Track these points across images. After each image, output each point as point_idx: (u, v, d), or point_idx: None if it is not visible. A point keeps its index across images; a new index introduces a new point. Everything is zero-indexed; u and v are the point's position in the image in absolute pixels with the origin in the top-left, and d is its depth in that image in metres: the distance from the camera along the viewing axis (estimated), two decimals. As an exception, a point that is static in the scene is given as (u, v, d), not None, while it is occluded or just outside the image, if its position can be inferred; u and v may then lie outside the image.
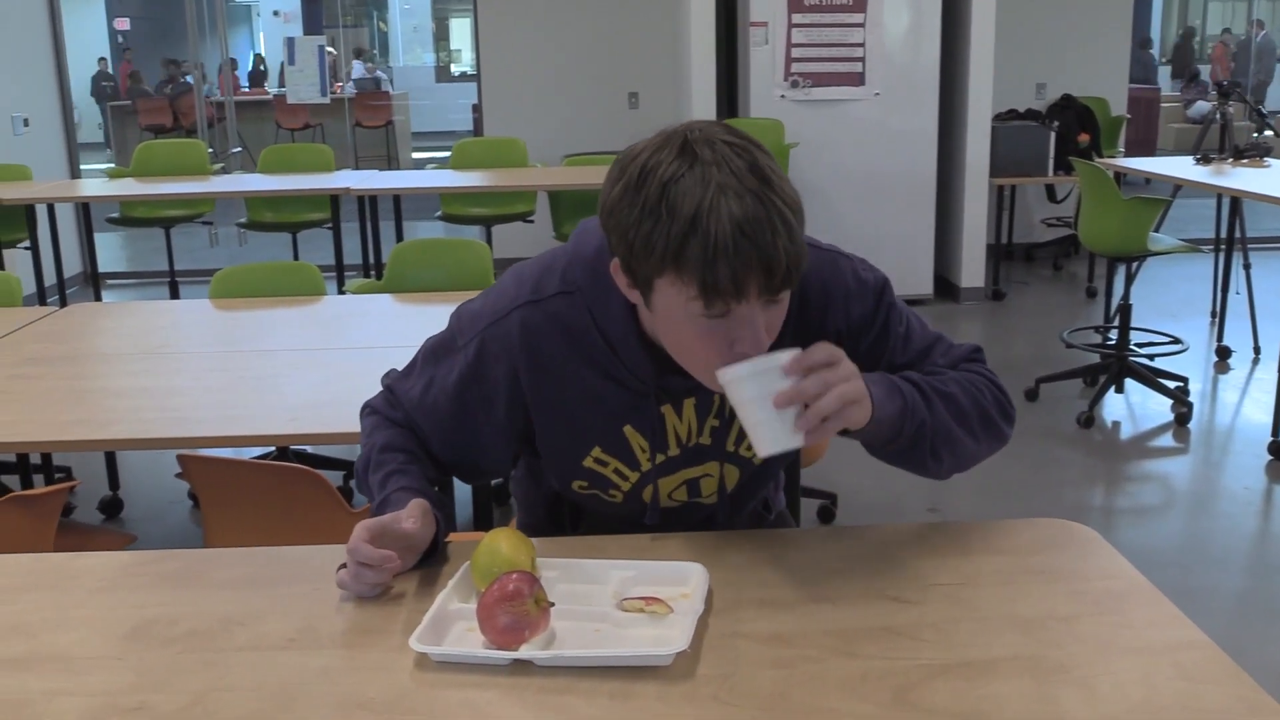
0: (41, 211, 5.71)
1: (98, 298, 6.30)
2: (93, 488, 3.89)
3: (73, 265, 7.06)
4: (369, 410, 1.57)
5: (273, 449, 3.52)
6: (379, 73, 17.76)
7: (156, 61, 16.95)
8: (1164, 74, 17.99)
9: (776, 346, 1.35)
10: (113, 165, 11.27)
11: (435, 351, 1.49)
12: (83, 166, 7.84)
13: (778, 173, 1.21)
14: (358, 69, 19.09)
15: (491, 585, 1.20)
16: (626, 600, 1.26)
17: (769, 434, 1.22)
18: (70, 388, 2.50)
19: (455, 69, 22.76)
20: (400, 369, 1.56)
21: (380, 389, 1.59)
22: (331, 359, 2.67)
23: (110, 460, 3.94)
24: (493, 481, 3.71)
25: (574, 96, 7.46)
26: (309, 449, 3.85)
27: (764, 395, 1.21)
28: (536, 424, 1.44)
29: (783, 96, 6.34)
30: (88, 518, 3.75)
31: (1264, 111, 5.90)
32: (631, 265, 1.23)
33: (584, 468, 1.47)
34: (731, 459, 1.48)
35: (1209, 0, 23.34)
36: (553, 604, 1.21)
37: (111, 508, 3.82)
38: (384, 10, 23.36)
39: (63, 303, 5.84)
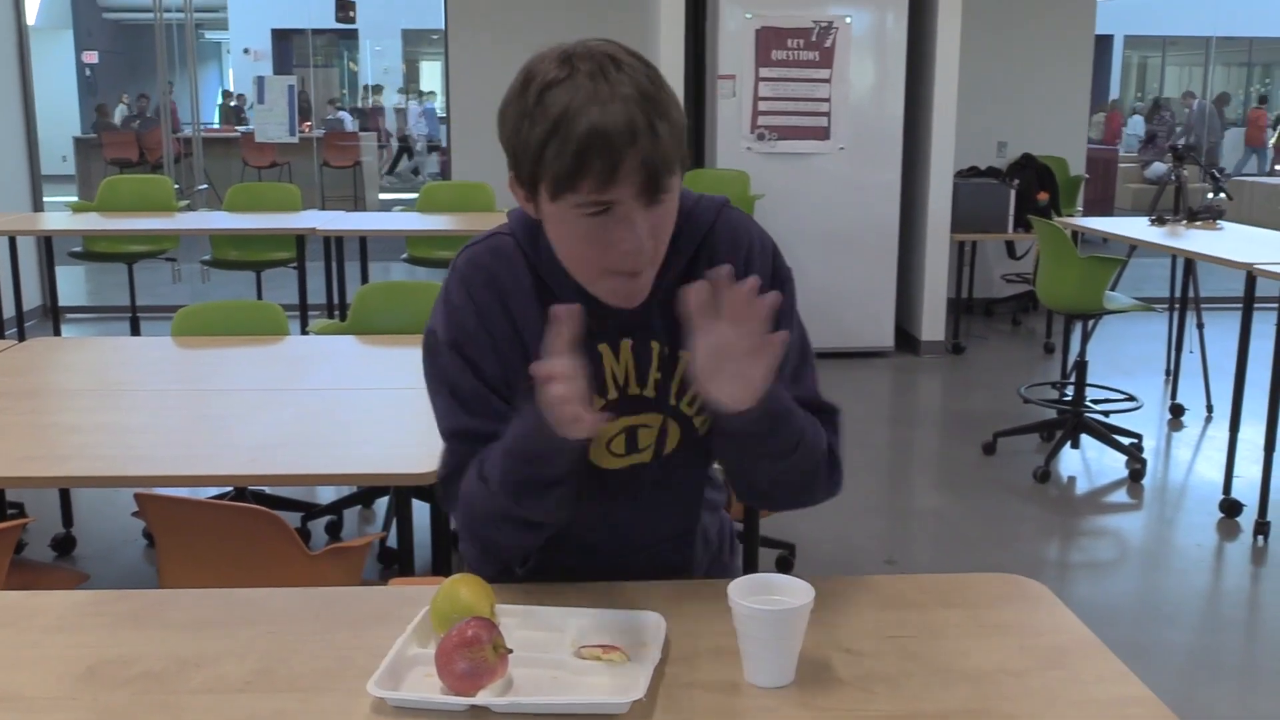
0: (3, 244, 5.66)
1: (57, 332, 6.24)
2: (45, 524, 3.85)
3: (32, 298, 7.00)
4: (454, 497, 1.47)
5: (230, 489, 3.50)
6: (341, 113, 17.79)
7: (132, 95, 16.86)
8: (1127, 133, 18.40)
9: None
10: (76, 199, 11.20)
11: (428, 371, 1.48)
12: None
13: (664, 95, 1.28)
14: (413, 111, 19.06)
15: (450, 631, 1.21)
16: (584, 648, 1.27)
17: (770, 670, 1.23)
18: (26, 423, 2.48)
19: (425, 111, 22.83)
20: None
21: (442, 480, 1.49)
22: (293, 399, 2.67)
23: (64, 497, 3.90)
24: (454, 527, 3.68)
25: (542, 142, 7.51)
26: (267, 490, 3.83)
27: (778, 637, 1.22)
28: (499, 358, 1.45)
29: (749, 149, 6.42)
30: (40, 555, 3.70)
31: (1218, 175, 6.03)
32: (518, 171, 1.32)
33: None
34: (675, 415, 1.48)
35: (1166, 65, 23.93)
36: (511, 650, 1.22)
37: (64, 545, 3.77)
38: (355, 51, 23.44)
39: (21, 336, 5.79)
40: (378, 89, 21.41)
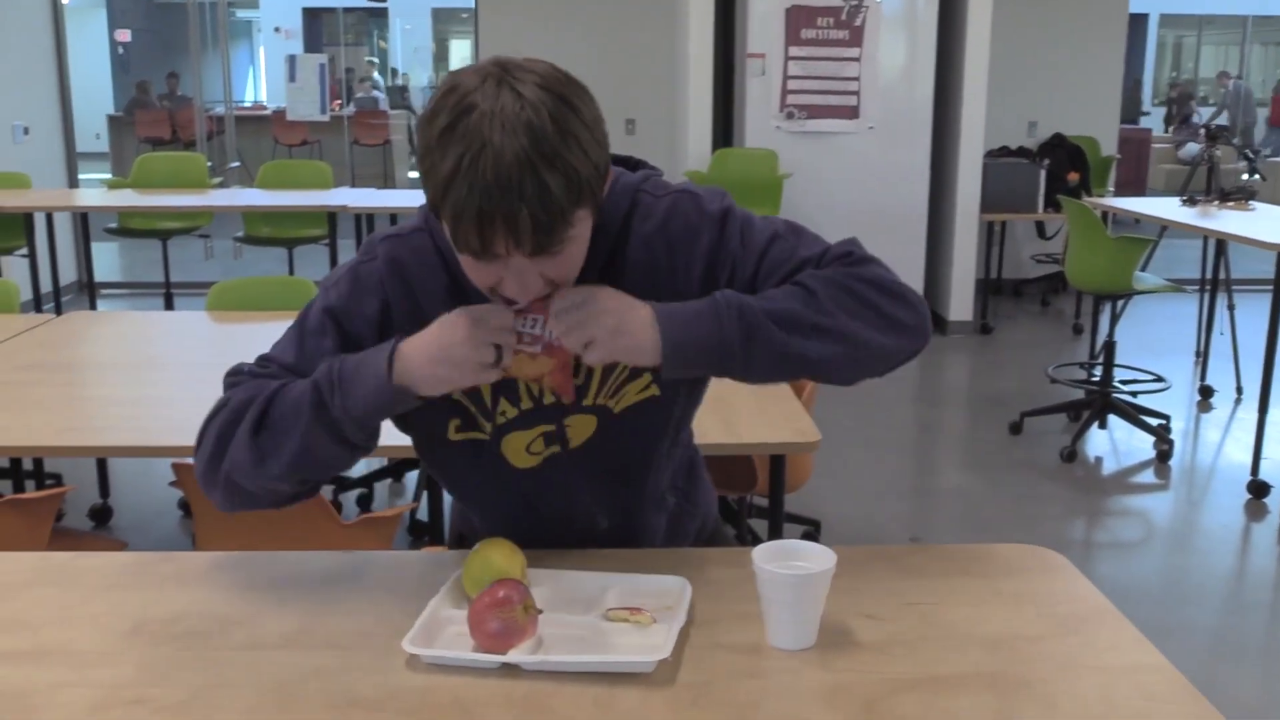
0: (40, 220, 5.75)
1: (93, 306, 6.33)
2: (83, 495, 3.93)
3: (68, 274, 7.10)
4: (231, 379, 1.52)
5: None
6: (375, 92, 17.80)
7: (161, 74, 16.97)
8: (1157, 115, 18.23)
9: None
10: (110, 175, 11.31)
11: (303, 311, 1.46)
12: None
13: (573, 132, 1.24)
14: None
15: (483, 592, 1.25)
16: (612, 610, 1.31)
17: (792, 633, 1.26)
18: (64, 395, 2.54)
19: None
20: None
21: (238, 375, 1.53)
22: (327, 373, 2.71)
23: (101, 467, 3.98)
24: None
25: (572, 121, 7.53)
26: (300, 462, 3.88)
27: (799, 601, 1.25)
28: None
29: (778, 128, 6.42)
30: (78, 524, 3.78)
31: (1252, 156, 5.99)
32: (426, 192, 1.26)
33: (454, 401, 1.44)
34: (592, 410, 1.44)
35: (1203, 44, 23.62)
36: (541, 611, 1.26)
37: (101, 515, 3.85)
38: (385, 29, 23.49)
39: (58, 310, 5.87)
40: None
